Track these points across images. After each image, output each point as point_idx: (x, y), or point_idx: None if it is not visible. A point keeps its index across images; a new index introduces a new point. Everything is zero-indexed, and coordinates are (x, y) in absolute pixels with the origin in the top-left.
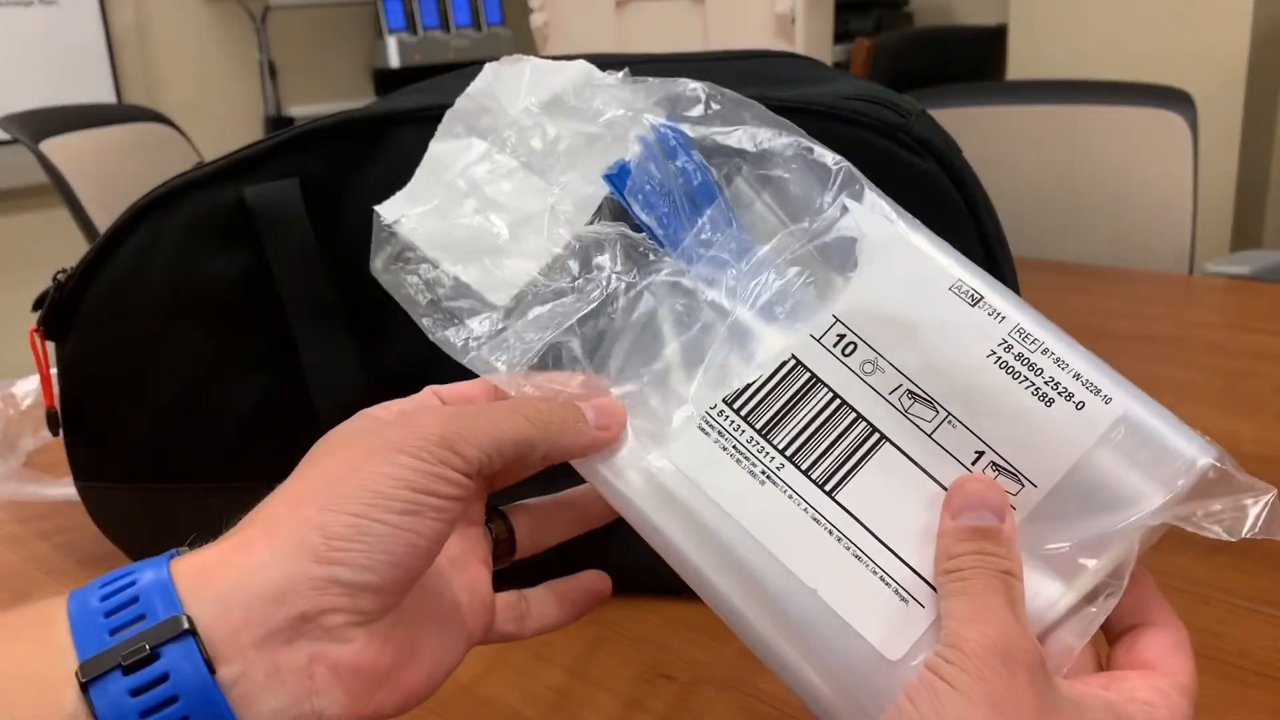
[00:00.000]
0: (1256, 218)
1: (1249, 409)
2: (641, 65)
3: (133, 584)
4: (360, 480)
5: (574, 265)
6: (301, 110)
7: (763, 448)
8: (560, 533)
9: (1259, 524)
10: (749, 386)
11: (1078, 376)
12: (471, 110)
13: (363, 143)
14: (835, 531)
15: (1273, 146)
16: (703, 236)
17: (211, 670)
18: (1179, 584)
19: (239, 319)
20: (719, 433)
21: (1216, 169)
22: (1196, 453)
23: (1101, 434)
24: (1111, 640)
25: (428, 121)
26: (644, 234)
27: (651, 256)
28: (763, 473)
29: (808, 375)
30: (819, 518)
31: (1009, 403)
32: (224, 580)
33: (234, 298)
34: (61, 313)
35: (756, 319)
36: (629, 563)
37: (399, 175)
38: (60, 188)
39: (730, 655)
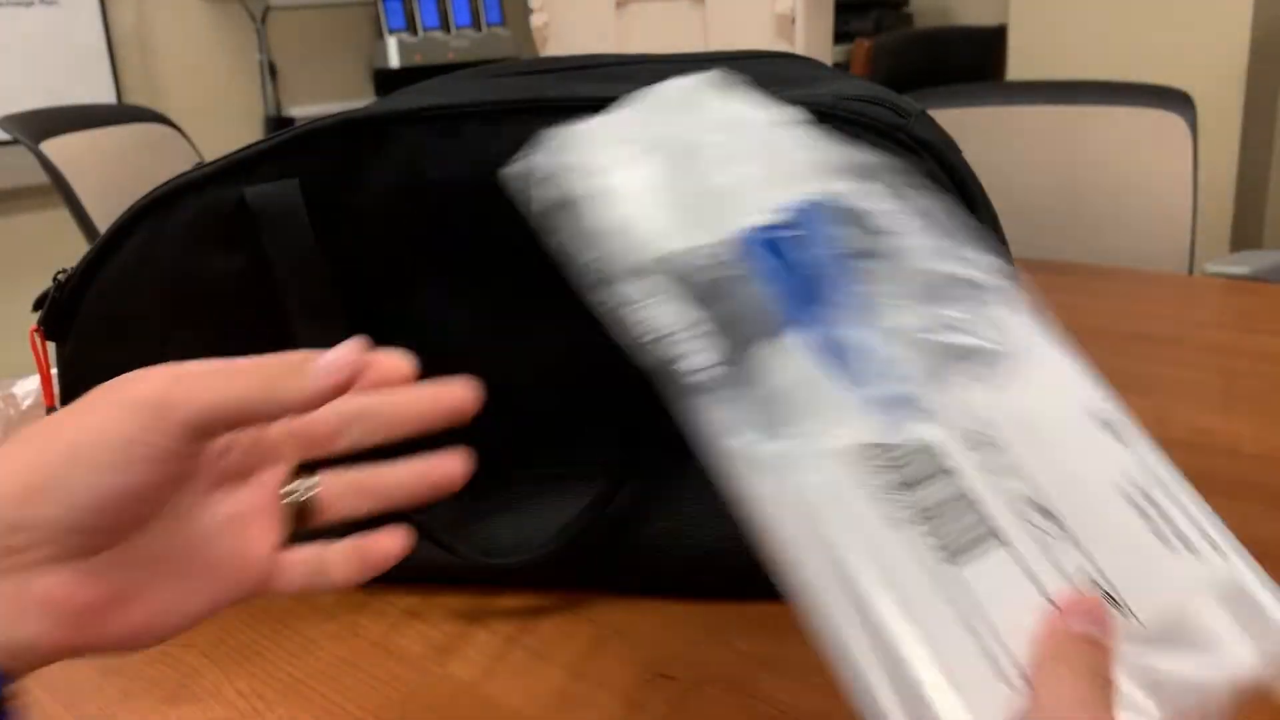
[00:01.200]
0: (1256, 218)
1: (1249, 409)
2: (641, 65)
3: None
4: (64, 433)
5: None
6: (301, 110)
7: (895, 500)
8: (369, 506)
9: None
10: (887, 446)
11: (1196, 524)
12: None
13: (363, 143)
14: (948, 594)
15: (1273, 146)
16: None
17: None
18: None
19: (239, 319)
20: (864, 470)
21: (1216, 169)
22: None
23: (1212, 587)
24: None
25: (427, 122)
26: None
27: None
28: (895, 518)
29: (937, 464)
30: (936, 574)
31: (1127, 536)
32: None
33: (234, 298)
34: (62, 313)
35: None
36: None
37: (400, 175)
38: (60, 188)
39: (730, 655)
